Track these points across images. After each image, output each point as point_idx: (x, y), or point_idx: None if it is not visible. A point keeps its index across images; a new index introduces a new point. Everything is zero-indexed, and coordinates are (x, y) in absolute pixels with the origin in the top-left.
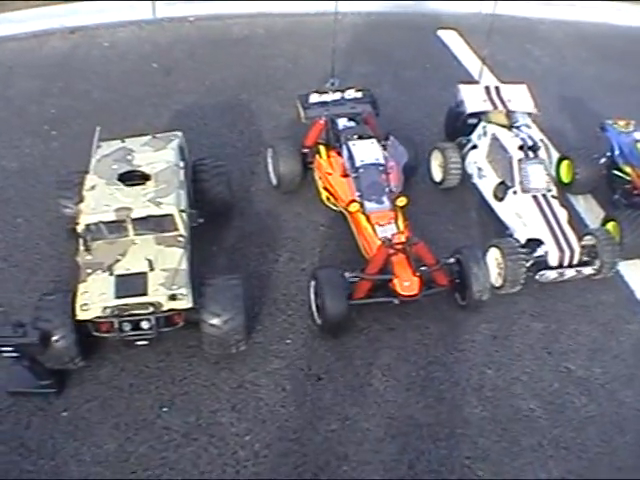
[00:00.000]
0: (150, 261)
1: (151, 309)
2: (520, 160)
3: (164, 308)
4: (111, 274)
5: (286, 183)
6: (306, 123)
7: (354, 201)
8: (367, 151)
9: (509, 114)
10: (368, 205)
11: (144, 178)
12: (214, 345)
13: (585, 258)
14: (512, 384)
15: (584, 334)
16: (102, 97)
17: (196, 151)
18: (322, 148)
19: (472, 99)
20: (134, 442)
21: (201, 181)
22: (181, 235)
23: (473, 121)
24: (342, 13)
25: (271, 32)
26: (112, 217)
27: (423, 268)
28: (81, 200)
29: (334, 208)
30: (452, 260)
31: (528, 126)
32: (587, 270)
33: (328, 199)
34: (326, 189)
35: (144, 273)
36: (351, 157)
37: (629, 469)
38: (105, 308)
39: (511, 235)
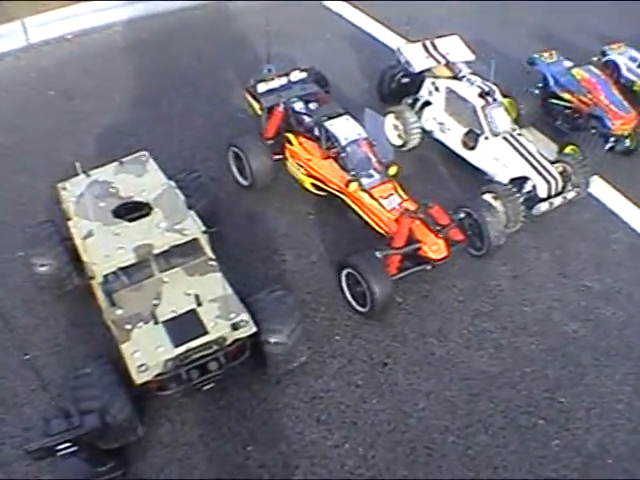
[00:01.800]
0: (196, 296)
1: (215, 347)
2: (483, 107)
3: (228, 342)
4: (156, 322)
5: (261, 180)
6: (249, 116)
7: (351, 181)
8: (347, 128)
9: (451, 66)
10: (365, 181)
11: (141, 209)
12: (280, 363)
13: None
14: (549, 314)
15: (584, 252)
16: (7, 139)
17: None
18: (291, 136)
19: (416, 58)
20: None
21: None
22: (210, 258)
23: (406, 80)
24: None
25: (156, 34)
26: (132, 259)
27: (438, 228)
28: (68, 255)
29: (320, 194)
30: (462, 215)
31: (474, 74)
32: (570, 194)
33: (314, 185)
34: (311, 176)
35: (193, 310)
36: (332, 137)
37: None
38: (167, 362)
39: (492, 179)
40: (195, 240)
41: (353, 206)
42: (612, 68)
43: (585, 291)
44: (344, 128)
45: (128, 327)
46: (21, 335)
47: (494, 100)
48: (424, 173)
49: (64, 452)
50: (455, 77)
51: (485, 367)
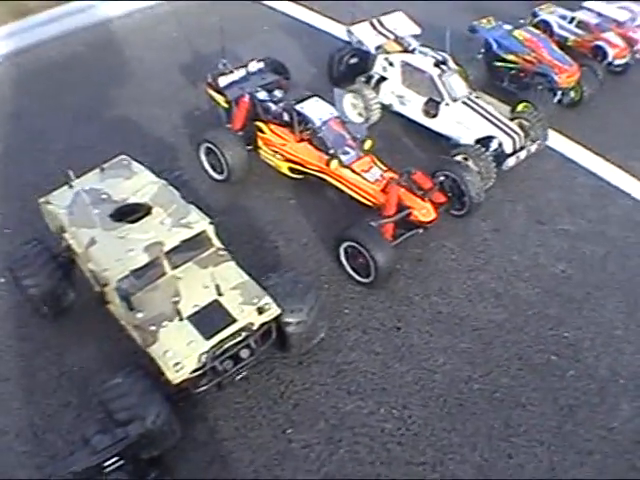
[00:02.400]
0: (217, 286)
1: (244, 334)
2: (440, 75)
3: (256, 327)
4: (181, 319)
5: (237, 172)
6: (204, 113)
7: (331, 159)
8: (319, 109)
9: (400, 41)
10: (343, 158)
11: (138, 210)
12: (302, 342)
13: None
14: (536, 259)
15: (554, 199)
16: None
17: None
18: (261, 125)
19: (368, 37)
20: (287, 474)
21: None
22: (219, 248)
23: (354, 61)
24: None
25: (92, 46)
26: (145, 259)
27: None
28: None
29: (297, 177)
30: (442, 178)
31: (424, 46)
32: (533, 147)
33: (291, 170)
34: (288, 160)
35: (216, 301)
36: (305, 119)
37: None
38: (201, 355)
39: (457, 143)
40: (203, 232)
41: (336, 184)
42: (544, 27)
43: (563, 234)
44: (316, 109)
45: (153, 329)
46: (23, 362)
47: (449, 68)
48: (389, 146)
49: (112, 468)
50: (406, 50)
51: (491, 316)
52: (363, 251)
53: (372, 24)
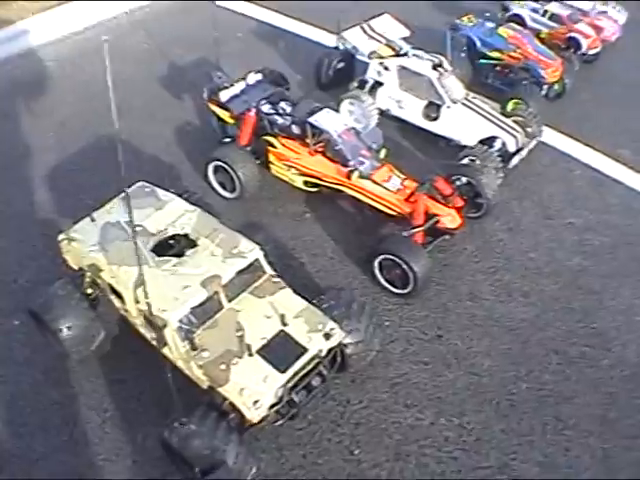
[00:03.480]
0: (282, 315)
1: (315, 362)
2: (438, 78)
3: (324, 353)
4: (251, 354)
5: (250, 189)
6: (196, 128)
7: (352, 171)
8: (332, 120)
9: (391, 44)
10: (361, 168)
11: (180, 242)
12: (360, 361)
13: None
14: (552, 254)
15: (556, 193)
16: None
17: None
18: (272, 139)
19: (361, 42)
20: None
21: None
22: (272, 275)
23: (341, 66)
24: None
25: (61, 61)
26: (204, 295)
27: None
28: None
29: (312, 190)
30: (464, 180)
31: (417, 49)
32: (532, 143)
33: (307, 183)
34: (304, 174)
35: (282, 331)
36: (321, 132)
37: None
38: (278, 390)
39: (458, 145)
40: (257, 260)
41: (356, 195)
42: (517, 20)
43: (571, 227)
44: (330, 121)
45: (223, 367)
46: (59, 411)
47: (445, 70)
48: (391, 150)
49: None
50: (398, 54)
51: (522, 315)
52: (401, 263)
53: (363, 28)
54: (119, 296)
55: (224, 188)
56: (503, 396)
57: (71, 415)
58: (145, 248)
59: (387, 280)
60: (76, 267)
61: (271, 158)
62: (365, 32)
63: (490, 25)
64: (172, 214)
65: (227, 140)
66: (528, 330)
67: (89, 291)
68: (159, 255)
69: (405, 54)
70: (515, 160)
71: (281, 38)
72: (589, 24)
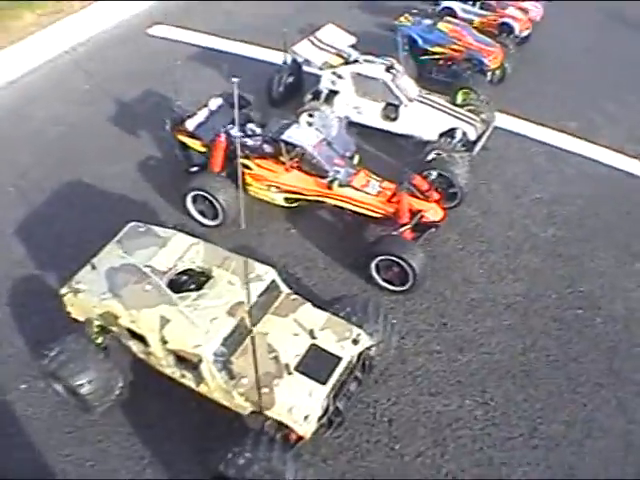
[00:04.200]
0: (311, 330)
1: (349, 368)
2: (393, 79)
3: (355, 359)
4: (290, 372)
5: (232, 214)
6: (159, 161)
7: (332, 181)
8: (305, 134)
9: (340, 53)
10: (341, 177)
11: (192, 276)
12: (383, 361)
13: None
14: (528, 229)
15: (519, 172)
16: None
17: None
18: (246, 161)
19: (313, 54)
20: None
21: None
22: (288, 293)
23: (290, 80)
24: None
25: (6, 112)
26: (232, 323)
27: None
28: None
29: (292, 206)
30: (434, 174)
31: (365, 54)
32: (490, 129)
33: (287, 200)
34: (284, 191)
35: (314, 345)
36: (294, 147)
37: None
38: (323, 401)
39: (420, 141)
40: (273, 281)
41: (339, 204)
42: (448, 13)
43: (539, 202)
44: (303, 135)
45: (266, 390)
46: (90, 469)
47: (397, 71)
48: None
49: None
50: (348, 62)
51: (515, 291)
52: (399, 261)
53: (311, 41)
54: (141, 340)
55: (204, 216)
56: (516, 368)
57: (109, 470)
58: (159, 288)
59: (385, 280)
60: (82, 318)
61: (248, 180)
62: (314, 44)
63: (428, 22)
64: (178, 249)
65: (195, 169)
66: (523, 304)
67: (99, 340)
68: (174, 292)
69: (355, 61)
70: (478, 147)
71: (222, 60)
72: (517, 8)
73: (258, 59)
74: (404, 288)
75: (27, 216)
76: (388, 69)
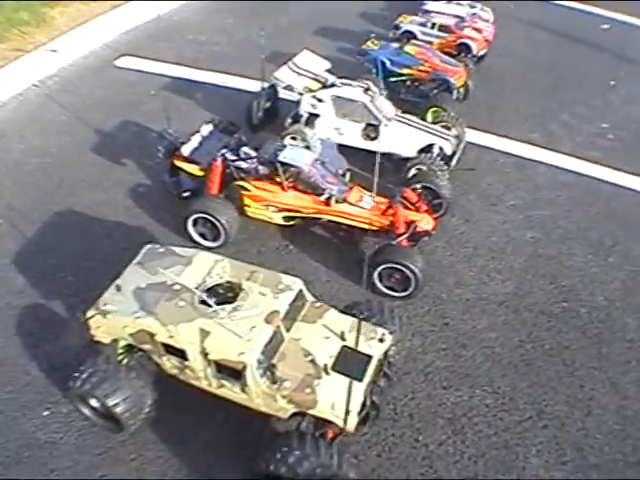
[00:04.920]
0: (342, 332)
1: (379, 366)
2: (371, 100)
3: (382, 356)
4: (327, 372)
5: (233, 235)
6: (147, 189)
7: (329, 198)
8: (300, 154)
9: (318, 78)
10: (336, 193)
11: (222, 291)
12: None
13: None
14: (509, 234)
15: (491, 183)
16: None
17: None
18: (244, 184)
19: (294, 80)
20: (444, 473)
21: None
22: (313, 301)
23: (268, 105)
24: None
25: None
26: (270, 330)
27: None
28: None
29: (290, 224)
30: (418, 187)
31: (342, 77)
32: (463, 143)
33: (285, 218)
34: (283, 210)
35: (345, 346)
36: (290, 166)
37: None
38: (364, 393)
39: (400, 157)
40: (301, 290)
41: (336, 220)
42: (409, 36)
43: (514, 208)
44: (299, 156)
45: (308, 391)
46: None
47: (374, 92)
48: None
49: None
50: (325, 86)
51: (504, 290)
52: (402, 268)
53: (290, 67)
54: (178, 355)
55: (204, 238)
56: (517, 358)
57: None
58: (193, 303)
59: (387, 287)
60: (108, 340)
61: (246, 201)
62: (292, 70)
63: (395, 45)
64: (204, 266)
65: (187, 194)
66: (514, 301)
67: (125, 360)
68: (209, 306)
69: (333, 85)
70: (454, 161)
71: (193, 89)
72: (472, 28)
73: (229, 87)
74: (406, 293)
75: (22, 247)
76: (366, 91)
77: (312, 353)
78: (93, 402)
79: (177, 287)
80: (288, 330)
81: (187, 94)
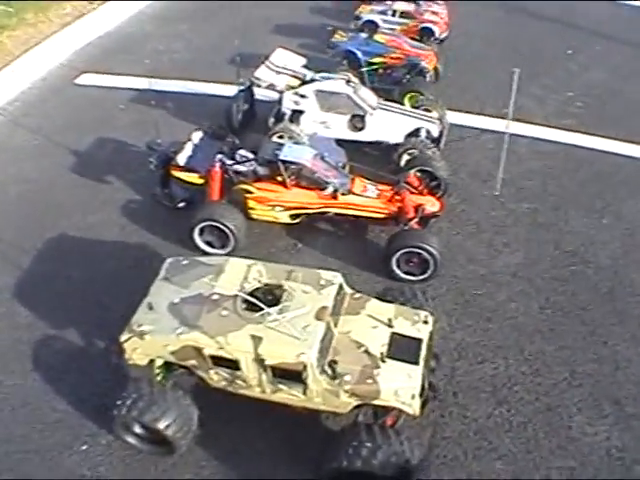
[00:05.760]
0: (389, 320)
1: (428, 347)
2: (354, 92)
3: (428, 337)
4: (384, 360)
5: (242, 240)
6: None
7: (336, 191)
8: (300, 152)
9: (296, 75)
10: (340, 186)
11: (261, 294)
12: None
13: None
14: (506, 207)
15: (480, 159)
16: None
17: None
18: (247, 187)
19: (275, 79)
20: (497, 441)
21: None
22: (352, 293)
23: (246, 107)
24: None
25: None
26: (323, 327)
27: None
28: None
29: (297, 221)
30: (419, 173)
31: (319, 71)
32: (447, 125)
33: (292, 216)
34: (290, 209)
35: (394, 333)
36: (292, 164)
37: None
38: (422, 376)
39: (389, 144)
40: (341, 284)
41: (344, 212)
42: (370, 26)
43: (505, 182)
44: (299, 153)
45: (370, 381)
46: None
47: (356, 83)
48: None
49: None
50: (305, 82)
51: (515, 260)
52: (421, 252)
53: (268, 66)
54: (229, 366)
55: (211, 246)
56: (540, 325)
57: None
58: (237, 309)
59: (404, 272)
60: (146, 362)
61: (251, 204)
62: (271, 69)
63: (364, 35)
64: (238, 272)
65: (182, 204)
66: (526, 270)
67: (165, 380)
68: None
69: (312, 80)
70: (442, 142)
71: (162, 99)
72: (431, 12)
73: (199, 93)
74: (425, 276)
75: (20, 279)
76: (347, 82)
77: (364, 344)
78: (137, 429)
79: (215, 297)
80: (335, 325)
81: (159, 105)
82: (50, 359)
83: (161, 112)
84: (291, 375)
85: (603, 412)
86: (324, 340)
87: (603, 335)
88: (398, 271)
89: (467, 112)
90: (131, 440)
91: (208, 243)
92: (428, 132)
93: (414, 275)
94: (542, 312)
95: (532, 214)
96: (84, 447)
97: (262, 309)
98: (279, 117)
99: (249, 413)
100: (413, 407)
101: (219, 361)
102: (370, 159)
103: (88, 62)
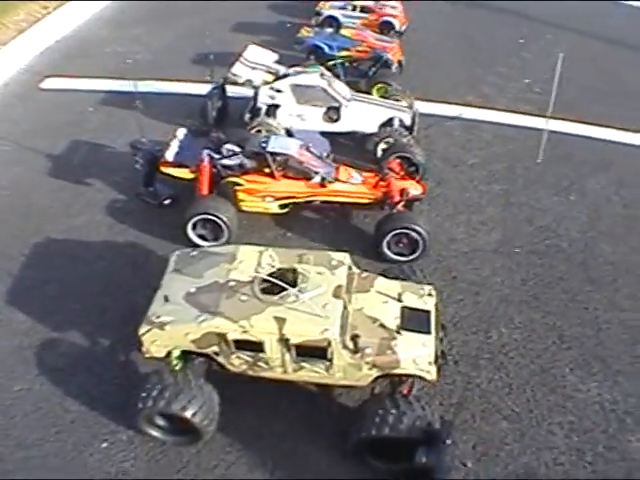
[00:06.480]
0: (399, 294)
1: (435, 318)
2: (329, 84)
3: (435, 309)
4: (399, 332)
5: (234, 232)
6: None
7: (323, 179)
8: (286, 143)
9: (270, 70)
10: (326, 174)
11: (276, 279)
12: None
13: None
14: (479, 189)
15: (447, 145)
16: None
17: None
18: (236, 179)
19: (251, 75)
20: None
21: None
22: (359, 272)
23: (219, 104)
24: None
25: None
26: (341, 303)
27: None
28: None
29: (286, 211)
30: (399, 159)
31: (294, 65)
32: (417, 113)
33: (283, 206)
34: (280, 198)
35: (405, 307)
36: (279, 155)
37: None
38: (435, 344)
39: (364, 134)
40: (349, 265)
41: (331, 199)
42: (331, 21)
43: (476, 166)
44: (285, 144)
45: (389, 352)
46: None
47: (330, 76)
48: None
49: None
50: (278, 76)
51: (494, 237)
52: (410, 232)
53: (242, 62)
54: (252, 349)
55: (204, 240)
56: (525, 295)
57: None
58: (256, 293)
59: (394, 253)
60: (164, 353)
61: (241, 196)
62: (245, 65)
63: (330, 30)
64: (251, 259)
65: (168, 201)
66: (505, 246)
67: (185, 369)
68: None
69: (286, 74)
70: (415, 130)
71: (131, 100)
72: (391, 7)
73: (167, 92)
74: (415, 256)
75: (12, 286)
76: (322, 76)
77: (378, 318)
78: (159, 421)
79: (232, 283)
80: (349, 302)
81: (128, 106)
82: (55, 362)
83: (133, 112)
84: (314, 352)
85: (592, 370)
86: (343, 317)
87: (583, 301)
88: (389, 252)
89: (431, 101)
90: (155, 433)
91: (201, 237)
92: (401, 121)
93: (404, 255)
94: (525, 284)
95: (504, 195)
96: (104, 445)
97: (282, 291)
98: (255, 112)
99: (264, 398)
100: (431, 374)
101: (242, 345)
102: (346, 149)
103: (50, 66)
